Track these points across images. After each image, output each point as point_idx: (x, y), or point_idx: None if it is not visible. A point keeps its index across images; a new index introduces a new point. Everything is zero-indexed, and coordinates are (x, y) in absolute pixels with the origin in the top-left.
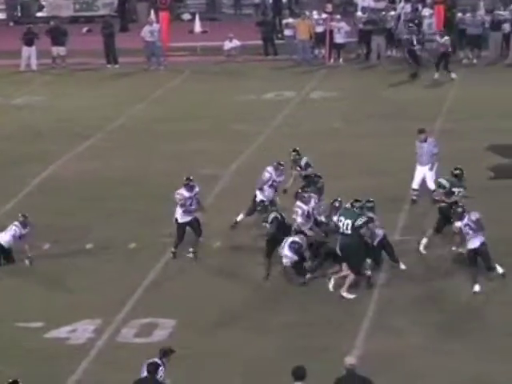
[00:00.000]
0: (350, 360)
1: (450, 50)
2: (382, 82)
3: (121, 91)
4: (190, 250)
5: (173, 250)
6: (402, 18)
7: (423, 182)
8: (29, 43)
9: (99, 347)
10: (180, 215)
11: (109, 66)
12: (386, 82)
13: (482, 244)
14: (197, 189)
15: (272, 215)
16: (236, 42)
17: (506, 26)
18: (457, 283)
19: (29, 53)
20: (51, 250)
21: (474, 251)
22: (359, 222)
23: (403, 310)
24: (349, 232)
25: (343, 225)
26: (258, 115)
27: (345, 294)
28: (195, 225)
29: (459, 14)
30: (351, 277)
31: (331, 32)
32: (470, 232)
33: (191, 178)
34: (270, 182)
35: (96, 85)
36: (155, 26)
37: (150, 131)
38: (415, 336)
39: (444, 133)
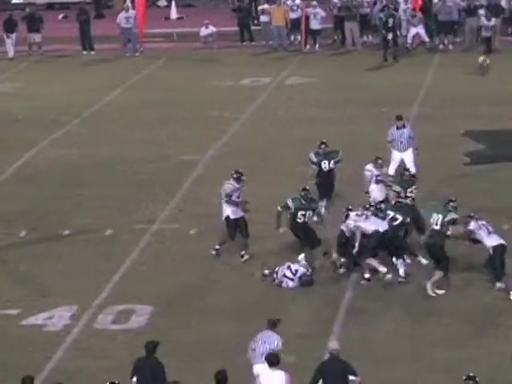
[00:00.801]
0: (333, 345)
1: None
2: (358, 68)
3: (97, 78)
4: (216, 247)
5: (217, 247)
6: (378, 3)
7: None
8: (10, 30)
9: (76, 334)
10: (231, 212)
11: (85, 52)
12: (361, 67)
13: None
14: (242, 183)
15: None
16: (212, 29)
17: (482, 12)
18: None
19: (11, 40)
20: (28, 236)
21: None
22: (449, 217)
23: (379, 296)
24: (438, 228)
25: (433, 220)
26: (235, 101)
27: (431, 292)
28: (243, 224)
29: (435, 0)
30: (439, 274)
31: (307, 18)
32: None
33: (240, 171)
34: (374, 179)
35: (72, 71)
36: (131, 13)
37: (126, 117)
38: (391, 322)
39: (420, 118)
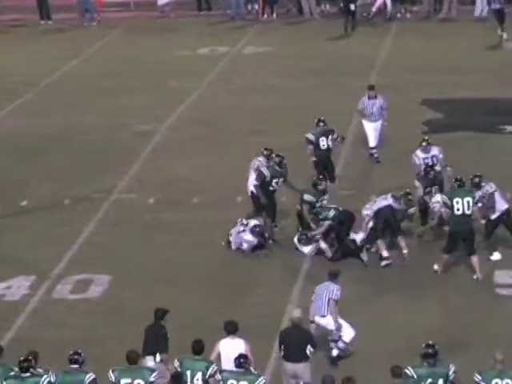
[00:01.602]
0: (296, 313)
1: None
2: (315, 37)
3: (55, 47)
4: (244, 221)
5: (244, 221)
6: None
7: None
8: None
9: (35, 304)
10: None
11: (42, 22)
12: (319, 37)
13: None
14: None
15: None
16: None
17: None
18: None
19: None
20: None
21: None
22: (477, 196)
23: (337, 264)
24: (469, 212)
25: (462, 205)
26: (193, 71)
27: (480, 276)
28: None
29: None
30: (476, 258)
31: None
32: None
33: (270, 148)
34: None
35: (30, 41)
36: None
37: (85, 87)
38: (350, 289)
39: (378, 88)
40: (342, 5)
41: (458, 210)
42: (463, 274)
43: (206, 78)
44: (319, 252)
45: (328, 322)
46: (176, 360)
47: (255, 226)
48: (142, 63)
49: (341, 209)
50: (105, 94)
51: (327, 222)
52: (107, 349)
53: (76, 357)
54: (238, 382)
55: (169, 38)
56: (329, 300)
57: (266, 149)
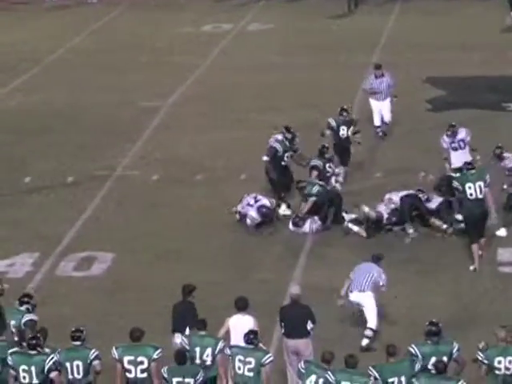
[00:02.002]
0: (294, 289)
1: None
2: (319, 15)
3: (58, 24)
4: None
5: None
6: None
7: None
8: None
9: (38, 281)
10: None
11: None
12: (322, 14)
13: None
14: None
15: None
16: None
17: None
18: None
19: None
20: None
21: None
22: (488, 178)
23: (339, 243)
24: (482, 196)
25: (475, 189)
26: (196, 48)
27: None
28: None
29: None
30: (483, 241)
31: None
32: None
33: (289, 126)
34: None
35: (33, 18)
36: None
37: (89, 64)
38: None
39: (382, 65)
40: None
41: (471, 195)
42: (466, 253)
43: (210, 55)
44: (324, 228)
45: (365, 299)
46: (183, 337)
47: (263, 206)
48: (146, 40)
49: (328, 187)
50: (108, 70)
51: (312, 199)
52: (110, 326)
53: (78, 334)
54: (245, 357)
55: (172, 14)
56: (372, 279)
57: (285, 127)
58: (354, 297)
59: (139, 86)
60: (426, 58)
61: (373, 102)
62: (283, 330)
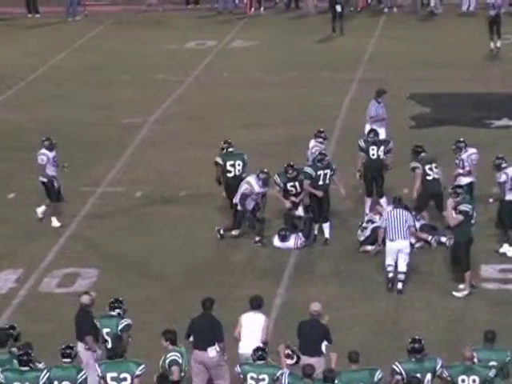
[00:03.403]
0: (314, 306)
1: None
2: (303, 32)
3: (42, 41)
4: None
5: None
6: None
7: None
8: None
9: (21, 297)
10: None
11: (30, 15)
12: (306, 31)
13: None
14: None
15: None
16: None
17: None
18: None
19: None
20: None
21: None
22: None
23: (326, 258)
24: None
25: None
26: (180, 65)
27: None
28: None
29: None
30: None
31: None
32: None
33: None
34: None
35: (17, 34)
36: None
37: (72, 81)
38: (336, 285)
39: (365, 82)
40: (330, 5)
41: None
42: (447, 271)
43: (193, 72)
44: (306, 243)
45: (408, 246)
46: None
47: (262, 172)
48: (129, 57)
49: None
50: (92, 87)
51: (307, 181)
52: None
53: (68, 351)
54: (258, 375)
55: (156, 31)
56: (408, 224)
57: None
58: (397, 245)
59: (123, 102)
60: (410, 75)
61: (378, 130)
62: (299, 346)
